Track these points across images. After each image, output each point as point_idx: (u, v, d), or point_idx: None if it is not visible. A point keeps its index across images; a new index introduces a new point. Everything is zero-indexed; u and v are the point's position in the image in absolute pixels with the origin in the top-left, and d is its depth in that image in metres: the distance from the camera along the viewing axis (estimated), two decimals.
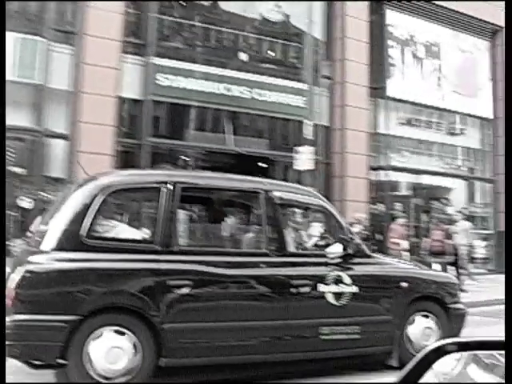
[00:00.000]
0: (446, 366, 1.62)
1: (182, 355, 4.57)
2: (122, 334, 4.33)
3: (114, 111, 11.26)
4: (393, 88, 15.04)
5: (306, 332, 5.01)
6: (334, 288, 5.06)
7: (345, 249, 5.21)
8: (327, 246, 5.40)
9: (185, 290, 4.52)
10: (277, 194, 5.15)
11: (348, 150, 14.06)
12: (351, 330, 5.12)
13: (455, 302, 5.74)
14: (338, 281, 5.08)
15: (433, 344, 1.60)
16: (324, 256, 5.21)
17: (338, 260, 5.17)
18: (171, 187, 4.71)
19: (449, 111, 16.30)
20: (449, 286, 5.83)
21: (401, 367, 4.94)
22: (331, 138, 14.35)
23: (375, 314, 5.31)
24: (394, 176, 15.51)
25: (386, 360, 5.36)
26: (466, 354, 1.69)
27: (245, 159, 12.92)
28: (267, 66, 14.00)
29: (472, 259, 13.85)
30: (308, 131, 11.51)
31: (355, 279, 5.17)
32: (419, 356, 1.56)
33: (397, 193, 16.01)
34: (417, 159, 16.05)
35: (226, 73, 13.07)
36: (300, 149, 11.49)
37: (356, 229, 9.95)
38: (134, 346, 4.33)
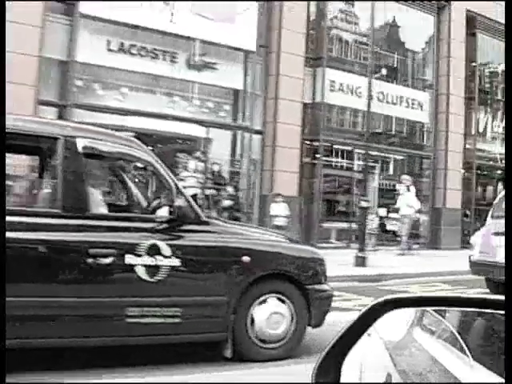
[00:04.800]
0: (390, 329, 1.52)
1: None
2: None
3: None
4: (92, 5, 11.74)
5: (105, 313, 4.22)
6: (148, 260, 4.26)
7: (171, 213, 4.48)
8: (156, 209, 4.78)
9: None
10: (82, 141, 4.32)
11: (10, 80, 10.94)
12: (169, 312, 4.36)
13: (317, 283, 5.02)
14: (154, 251, 4.26)
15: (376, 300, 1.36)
16: (143, 221, 4.54)
17: (163, 226, 4.41)
18: None
19: (188, 38, 12.87)
20: (311, 262, 5.07)
21: (237, 359, 4.52)
22: None
23: (203, 294, 4.53)
24: (101, 118, 12.35)
25: (221, 350, 4.61)
26: (412, 316, 1.64)
27: None
28: None
29: None
30: None
31: (178, 250, 4.37)
32: (356, 316, 1.37)
33: None
34: (143, 99, 12.80)
35: None
36: None
37: None
38: None
